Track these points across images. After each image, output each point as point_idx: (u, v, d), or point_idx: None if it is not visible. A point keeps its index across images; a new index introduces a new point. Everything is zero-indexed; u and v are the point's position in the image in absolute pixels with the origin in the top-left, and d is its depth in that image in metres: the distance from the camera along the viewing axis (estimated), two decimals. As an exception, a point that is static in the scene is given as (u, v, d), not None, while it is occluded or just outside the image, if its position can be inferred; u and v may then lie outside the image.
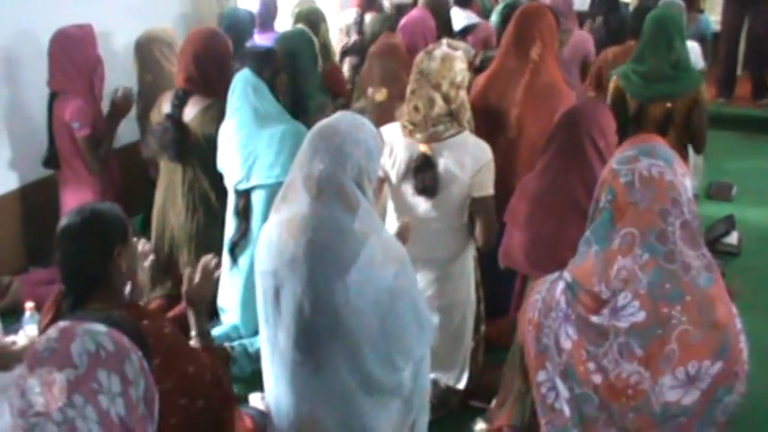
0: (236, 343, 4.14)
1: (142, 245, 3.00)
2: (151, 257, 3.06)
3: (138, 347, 1.53)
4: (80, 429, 1.40)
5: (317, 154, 2.52)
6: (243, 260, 4.18)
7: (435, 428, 2.92)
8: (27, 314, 3.85)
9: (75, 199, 4.97)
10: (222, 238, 4.33)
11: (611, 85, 4.76)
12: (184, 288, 2.89)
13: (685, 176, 2.11)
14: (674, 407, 1.79)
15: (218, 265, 3.03)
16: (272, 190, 3.82)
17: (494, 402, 3.51)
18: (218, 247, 4.31)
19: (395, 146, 3.57)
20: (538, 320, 1.93)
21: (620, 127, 3.68)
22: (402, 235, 3.10)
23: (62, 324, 1.51)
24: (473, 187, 3.49)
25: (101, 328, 1.50)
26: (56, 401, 1.41)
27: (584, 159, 3.32)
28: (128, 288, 2.84)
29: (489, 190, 3.54)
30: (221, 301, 4.40)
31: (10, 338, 3.67)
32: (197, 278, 2.92)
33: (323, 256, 2.49)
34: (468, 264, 3.73)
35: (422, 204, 3.57)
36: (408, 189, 3.58)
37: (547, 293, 1.95)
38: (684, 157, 4.65)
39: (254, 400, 3.68)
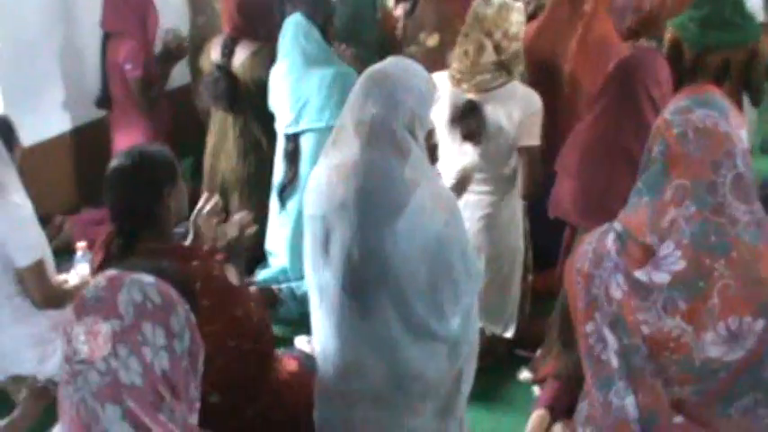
0: (283, 286, 4.18)
1: (214, 200, 3.03)
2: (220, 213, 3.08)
3: (185, 300, 1.54)
4: (123, 380, 1.41)
5: (368, 99, 2.50)
6: (291, 204, 4.20)
7: (480, 376, 2.92)
8: (79, 253, 3.92)
9: (125, 140, 5.02)
10: (267, 182, 4.36)
11: (668, 35, 4.66)
12: (220, 243, 2.92)
13: (741, 128, 2.07)
14: (716, 363, 1.77)
15: (250, 224, 3.04)
16: (322, 134, 3.83)
17: (539, 352, 3.52)
18: (268, 192, 4.34)
19: (442, 94, 3.54)
20: (588, 270, 1.91)
21: (676, 77, 3.61)
22: (461, 182, 3.08)
23: (110, 273, 1.52)
24: (520, 136, 3.46)
25: (149, 279, 1.50)
26: (100, 351, 1.41)
27: (638, 109, 3.27)
28: (190, 239, 2.87)
29: (536, 140, 3.50)
30: (269, 244, 4.43)
31: (62, 277, 3.74)
32: (233, 232, 2.94)
33: (372, 203, 2.48)
34: (517, 213, 3.71)
35: (469, 152, 3.54)
36: (455, 137, 3.56)
37: (597, 243, 1.93)
38: (740, 109, 4.55)
39: (300, 342, 3.72)
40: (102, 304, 1.43)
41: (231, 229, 2.94)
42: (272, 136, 4.43)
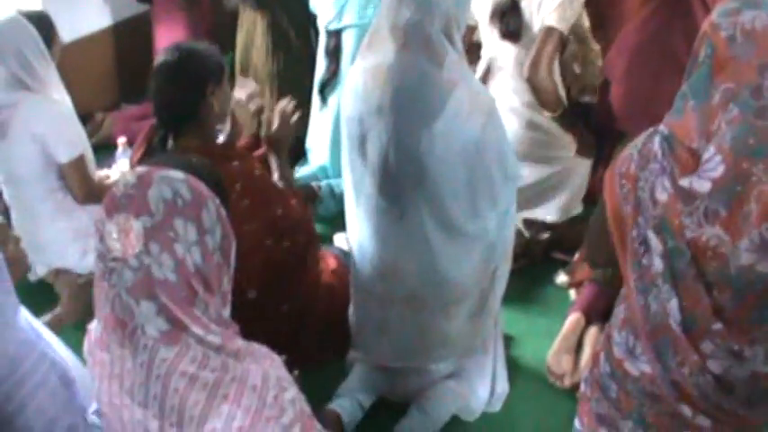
0: (322, 183, 4.18)
1: (249, 86, 3.01)
2: (257, 100, 3.06)
3: (216, 193, 1.53)
4: (156, 276, 1.43)
5: (402, 2, 2.44)
6: (332, 100, 4.16)
7: (517, 278, 2.94)
8: (119, 149, 3.95)
9: (166, 36, 5.00)
10: (304, 78, 4.32)
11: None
12: (264, 132, 2.91)
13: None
14: (749, 272, 1.75)
15: (296, 109, 3.02)
16: (363, 30, 3.74)
17: (576, 256, 3.51)
18: (301, 87, 4.31)
19: None
20: (633, 173, 1.87)
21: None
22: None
23: (140, 170, 1.51)
24: (555, 21, 3.37)
25: (178, 174, 1.49)
26: (132, 248, 1.42)
27: (689, 12, 3.16)
28: (227, 128, 2.87)
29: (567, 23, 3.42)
30: (309, 141, 4.42)
31: (103, 173, 3.78)
32: (275, 122, 2.93)
33: (409, 106, 2.45)
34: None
35: (509, 50, 3.48)
36: (495, 34, 3.49)
37: (643, 146, 1.89)
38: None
39: (339, 239, 3.74)
40: (133, 202, 1.44)
41: (274, 119, 2.93)
42: (300, 30, 4.41)
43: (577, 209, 3.79)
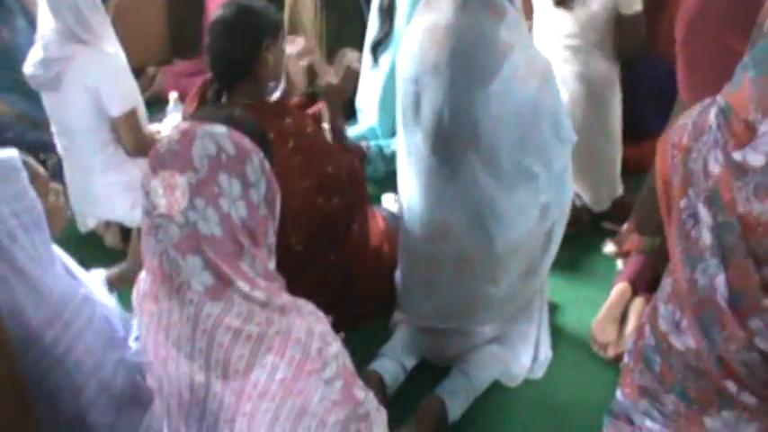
0: (372, 143, 4.17)
1: (300, 43, 3.01)
2: (310, 56, 3.07)
3: (259, 147, 1.53)
4: (202, 231, 1.43)
5: None
6: (384, 60, 4.13)
7: (564, 246, 2.91)
8: (171, 104, 3.98)
9: (220, -8, 4.99)
10: (354, 37, 4.28)
11: None
12: (320, 84, 2.91)
13: None
14: None
15: (354, 62, 3.02)
16: (419, -11, 3.74)
17: (625, 226, 3.47)
18: (350, 46, 4.29)
19: None
20: (686, 144, 1.84)
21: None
22: None
23: (184, 125, 1.52)
24: (620, 5, 3.32)
25: (222, 129, 1.50)
26: (178, 204, 1.43)
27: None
28: (281, 84, 2.87)
29: (637, 5, 3.36)
30: (359, 101, 4.40)
31: (154, 127, 3.81)
32: (333, 75, 2.92)
33: (465, 65, 2.44)
34: (614, 83, 3.58)
35: (561, 18, 3.43)
36: (548, 2, 3.44)
37: (698, 117, 1.85)
38: None
39: (387, 200, 3.74)
40: (177, 158, 1.44)
41: (330, 73, 2.94)
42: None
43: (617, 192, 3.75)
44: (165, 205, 1.43)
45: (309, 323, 1.46)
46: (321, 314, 1.54)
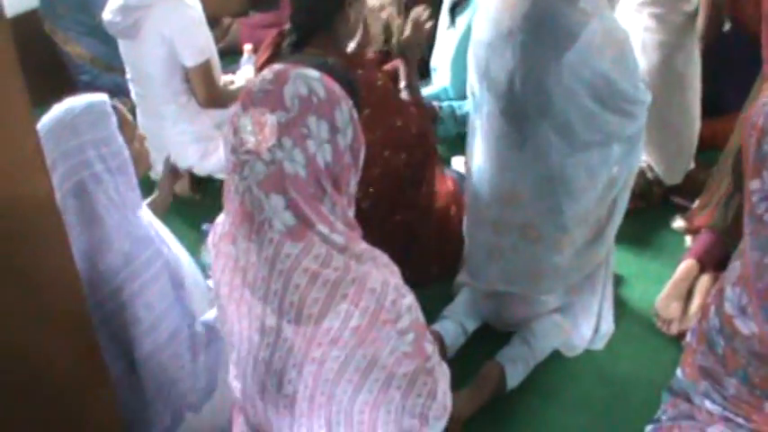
0: (444, 104, 4.15)
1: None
2: (387, 10, 3.06)
3: (349, 97, 1.53)
4: (287, 170, 1.43)
5: None
6: (461, 21, 4.10)
7: (633, 219, 2.88)
8: (245, 56, 3.99)
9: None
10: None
11: None
12: (396, 39, 2.90)
13: None
14: None
15: (430, 18, 2.99)
16: (500, -49, 3.69)
17: (696, 202, 3.42)
18: (429, 4, 4.25)
19: None
20: (762, 125, 1.79)
21: None
22: None
23: (277, 67, 1.51)
24: None
25: (314, 73, 1.49)
26: (266, 142, 1.43)
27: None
28: (358, 36, 2.87)
29: None
30: (434, 60, 4.37)
31: (228, 78, 3.83)
32: (408, 30, 2.91)
33: (540, 33, 2.40)
34: (694, 58, 3.50)
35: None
36: None
37: (777, 98, 1.80)
38: None
39: (457, 162, 3.72)
40: (269, 97, 1.44)
41: (407, 26, 2.92)
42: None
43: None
44: (252, 142, 1.44)
45: (385, 275, 1.47)
46: (395, 267, 1.54)
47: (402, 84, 2.94)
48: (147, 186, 3.39)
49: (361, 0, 2.69)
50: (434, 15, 4.17)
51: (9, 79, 1.53)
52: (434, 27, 4.22)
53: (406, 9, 4.29)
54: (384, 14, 3.02)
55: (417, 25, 2.92)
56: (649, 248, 3.41)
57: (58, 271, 1.78)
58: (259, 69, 2.86)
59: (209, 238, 1.68)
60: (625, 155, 2.59)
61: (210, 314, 2.38)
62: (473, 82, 2.67)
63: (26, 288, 1.71)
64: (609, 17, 2.48)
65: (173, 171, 2.76)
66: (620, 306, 3.07)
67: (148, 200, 2.62)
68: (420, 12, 2.94)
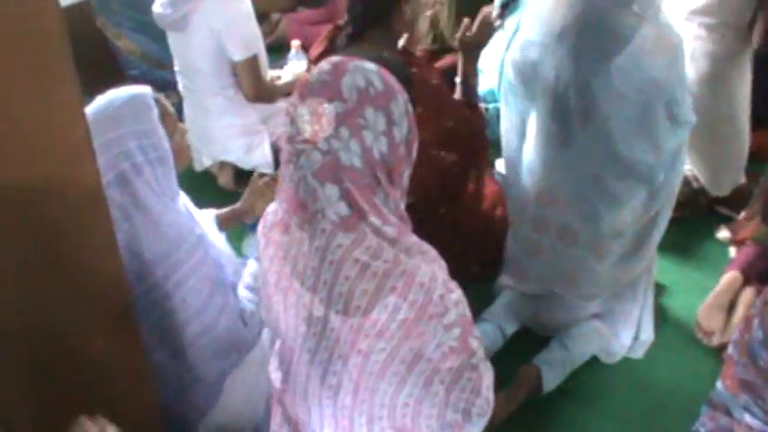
0: (490, 105, 4.14)
1: None
2: (435, 8, 3.05)
3: (405, 90, 1.54)
4: (343, 160, 1.44)
5: None
6: (510, 22, 4.08)
7: (677, 227, 2.86)
8: (292, 51, 4.01)
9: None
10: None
11: None
12: (459, 34, 2.89)
13: None
14: None
15: (498, 18, 2.99)
16: (553, -47, 3.68)
17: (742, 214, 3.38)
18: (479, 4, 4.24)
19: None
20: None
21: None
22: None
23: (335, 58, 1.52)
24: None
25: (372, 66, 1.49)
26: (323, 131, 1.44)
27: None
28: (404, 36, 2.87)
29: None
30: (482, 62, 4.34)
31: (275, 73, 3.85)
32: (475, 27, 2.90)
33: (592, 34, 2.40)
34: (746, 70, 3.46)
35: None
36: None
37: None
38: None
39: (502, 164, 3.70)
40: (327, 87, 1.45)
41: (473, 25, 2.91)
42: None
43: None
44: (309, 131, 1.45)
45: (433, 269, 1.47)
46: (443, 262, 1.54)
47: (458, 79, 2.93)
48: (190, 179, 3.45)
49: None
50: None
51: (61, 66, 1.56)
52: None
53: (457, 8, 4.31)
54: (429, 12, 3.01)
55: (485, 25, 2.91)
56: (693, 258, 3.38)
57: (101, 257, 1.81)
58: (313, 62, 2.88)
59: (260, 227, 1.69)
60: (668, 167, 2.57)
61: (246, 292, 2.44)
62: (522, 82, 2.66)
63: (69, 273, 1.74)
64: (663, 21, 2.46)
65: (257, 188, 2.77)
66: (661, 315, 3.05)
67: (224, 210, 2.66)
68: (489, 12, 2.93)
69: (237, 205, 2.74)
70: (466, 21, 2.89)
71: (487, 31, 2.91)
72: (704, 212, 3.58)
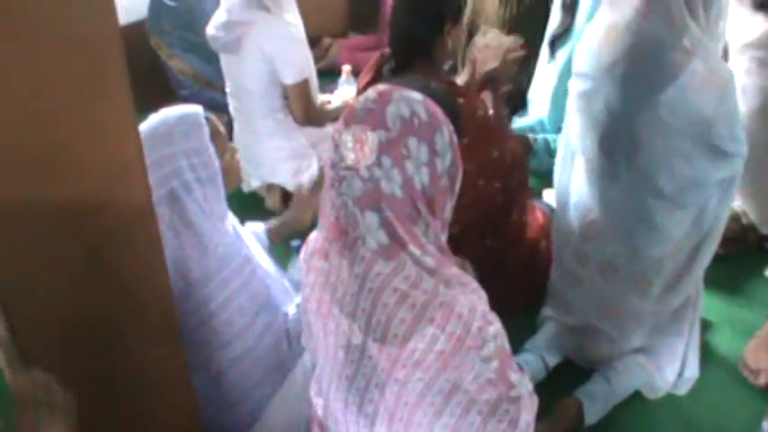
0: (539, 136, 4.14)
1: (492, 35, 3.01)
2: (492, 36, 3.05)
3: (450, 121, 1.54)
4: (383, 189, 1.44)
5: None
6: (561, 54, 4.09)
7: (725, 264, 2.82)
8: (343, 77, 4.04)
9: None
10: (536, 28, 4.26)
11: None
12: (479, 70, 2.90)
13: None
14: None
15: (522, 48, 2.98)
16: (605, -12, 3.68)
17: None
18: (531, 37, 4.24)
19: None
20: None
21: None
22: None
23: (381, 87, 1.53)
24: None
25: (417, 96, 1.50)
26: (365, 159, 1.45)
27: None
28: (466, 72, 2.88)
29: None
30: (532, 92, 4.37)
31: (325, 97, 3.88)
32: (497, 59, 2.91)
33: (640, 69, 2.39)
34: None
35: (753, 26, 3.29)
36: (746, 3, 3.30)
37: None
38: None
39: (548, 195, 3.70)
40: (371, 115, 1.46)
41: (495, 57, 2.92)
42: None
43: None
44: (352, 158, 1.46)
45: (473, 301, 1.46)
46: (483, 293, 1.54)
47: (490, 111, 2.94)
48: (238, 199, 3.48)
49: (458, 26, 2.70)
50: (534, 49, 4.19)
51: (117, 84, 1.59)
52: (530, 58, 4.23)
53: (468, 35, 4.33)
54: (489, 54, 3.00)
55: (508, 57, 2.91)
56: (740, 295, 3.33)
57: (149, 273, 1.84)
58: (361, 91, 2.90)
59: (302, 254, 1.70)
60: (714, 201, 2.54)
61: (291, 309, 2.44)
62: (571, 112, 2.66)
63: (117, 287, 1.76)
64: (713, 55, 2.44)
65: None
66: (707, 352, 3.00)
67: (273, 222, 2.69)
68: (510, 43, 2.93)
69: (285, 216, 2.76)
70: (479, 56, 2.90)
71: (509, 64, 2.92)
72: (753, 249, 3.53)
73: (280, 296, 2.40)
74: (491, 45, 2.92)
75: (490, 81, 2.93)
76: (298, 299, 2.47)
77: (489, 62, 2.92)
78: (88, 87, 1.55)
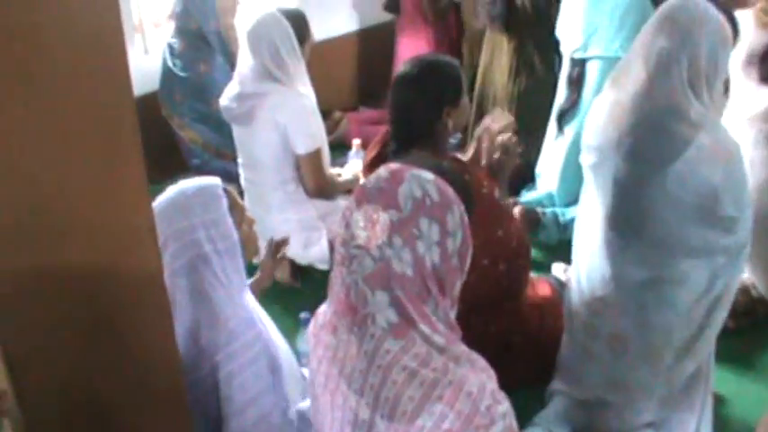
0: (547, 210, 4.15)
1: (506, 120, 3.05)
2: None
3: (462, 200, 1.56)
4: (394, 269, 1.46)
5: (661, 34, 2.40)
6: (569, 130, 4.13)
7: (736, 337, 2.80)
8: (353, 150, 4.08)
9: (409, 47, 5.12)
10: (544, 102, 4.32)
11: None
12: (484, 160, 2.92)
13: None
14: None
15: (518, 144, 3.01)
16: (609, 63, 3.73)
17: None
18: (539, 111, 4.30)
19: (743, 34, 3.32)
20: None
21: None
22: None
23: (393, 166, 1.55)
24: None
25: (429, 175, 1.52)
26: (376, 238, 1.46)
27: None
28: (470, 152, 2.90)
29: None
30: (540, 166, 4.40)
31: (335, 170, 3.91)
32: (497, 152, 2.93)
33: (646, 145, 2.42)
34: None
35: (758, 98, 3.32)
36: (751, 79, 3.34)
37: None
38: None
39: (557, 269, 3.70)
40: (383, 195, 1.48)
41: (495, 149, 2.94)
42: (545, 56, 4.44)
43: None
44: (363, 237, 1.47)
45: (482, 379, 1.46)
46: (492, 372, 1.54)
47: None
48: (248, 272, 3.47)
49: (458, 106, 2.71)
50: (542, 123, 4.22)
51: (130, 152, 1.62)
52: (540, 137, 4.27)
53: (479, 108, 4.39)
54: (498, 140, 3.03)
55: (506, 150, 2.94)
56: (752, 369, 3.30)
57: (157, 343, 1.85)
58: (367, 165, 2.91)
59: (310, 327, 1.70)
60: (724, 269, 2.53)
61: (305, 403, 2.38)
62: (585, 185, 2.69)
63: (125, 352, 1.77)
64: (719, 128, 2.47)
65: (275, 254, 2.81)
66: (719, 426, 2.95)
67: (250, 281, 2.68)
68: (509, 138, 2.96)
69: (257, 276, 2.77)
70: (486, 146, 2.92)
71: (509, 157, 2.94)
72: (763, 322, 3.50)
73: (288, 374, 2.38)
74: (491, 129, 2.94)
75: (495, 171, 2.95)
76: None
77: (491, 152, 2.94)
78: (102, 156, 1.58)
